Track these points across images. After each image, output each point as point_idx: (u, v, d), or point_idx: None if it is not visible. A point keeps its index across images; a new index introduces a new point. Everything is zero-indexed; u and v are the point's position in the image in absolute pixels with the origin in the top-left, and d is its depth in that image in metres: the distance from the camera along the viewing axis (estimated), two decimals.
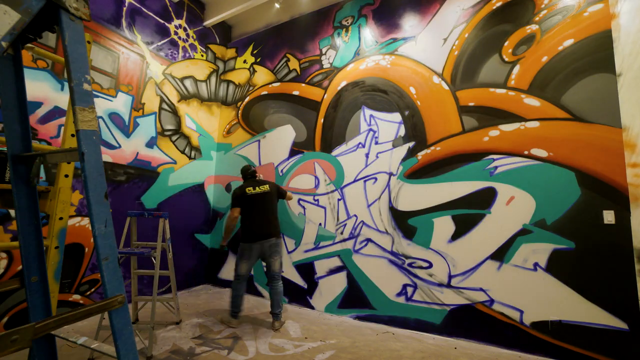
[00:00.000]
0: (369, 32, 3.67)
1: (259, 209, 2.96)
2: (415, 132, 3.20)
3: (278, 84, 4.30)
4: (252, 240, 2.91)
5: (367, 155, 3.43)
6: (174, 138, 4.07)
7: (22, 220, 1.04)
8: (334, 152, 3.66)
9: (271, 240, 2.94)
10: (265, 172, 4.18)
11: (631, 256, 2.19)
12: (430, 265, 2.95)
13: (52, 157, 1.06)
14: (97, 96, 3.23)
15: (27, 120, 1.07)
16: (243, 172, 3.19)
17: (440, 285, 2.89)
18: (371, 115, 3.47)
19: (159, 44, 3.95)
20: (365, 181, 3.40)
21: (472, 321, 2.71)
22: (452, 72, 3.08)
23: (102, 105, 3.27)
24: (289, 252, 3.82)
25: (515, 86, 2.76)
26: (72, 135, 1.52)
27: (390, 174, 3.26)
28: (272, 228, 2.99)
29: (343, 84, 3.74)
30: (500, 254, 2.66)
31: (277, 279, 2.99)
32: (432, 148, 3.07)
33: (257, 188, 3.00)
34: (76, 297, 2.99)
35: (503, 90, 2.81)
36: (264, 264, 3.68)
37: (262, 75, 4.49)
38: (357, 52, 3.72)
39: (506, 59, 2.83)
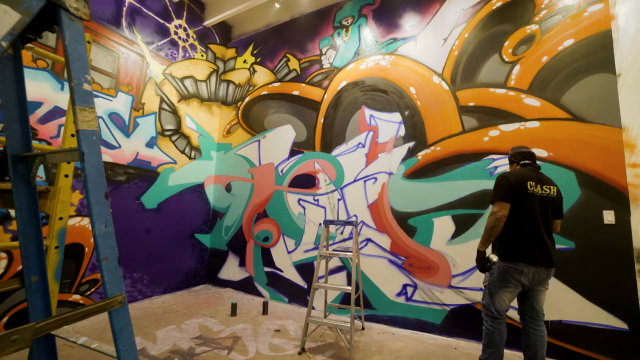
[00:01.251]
0: (369, 32, 3.67)
1: (541, 218, 1.90)
2: (415, 132, 3.20)
3: (278, 84, 4.30)
4: (526, 261, 1.84)
5: (367, 155, 3.43)
6: (174, 138, 4.07)
7: (22, 219, 1.04)
8: (334, 152, 3.66)
9: (551, 270, 1.90)
10: (265, 172, 4.18)
11: (631, 256, 2.19)
12: (431, 265, 2.95)
13: (52, 157, 1.04)
14: (97, 96, 3.23)
15: (27, 120, 1.07)
16: (515, 153, 2.11)
17: (440, 285, 2.89)
18: (371, 115, 3.47)
19: (159, 43, 3.95)
20: (365, 181, 3.40)
21: (472, 321, 2.71)
22: (452, 72, 3.08)
23: (102, 105, 3.27)
24: (288, 252, 3.82)
25: (515, 86, 2.76)
26: (72, 135, 1.52)
27: (390, 174, 3.26)
28: (553, 252, 1.91)
29: (343, 84, 3.74)
30: None
31: (541, 317, 1.95)
32: (432, 148, 3.07)
33: (544, 187, 1.94)
34: (76, 297, 2.99)
35: (503, 90, 2.81)
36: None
37: (262, 75, 4.49)
38: (357, 52, 3.72)
39: (506, 59, 2.83)
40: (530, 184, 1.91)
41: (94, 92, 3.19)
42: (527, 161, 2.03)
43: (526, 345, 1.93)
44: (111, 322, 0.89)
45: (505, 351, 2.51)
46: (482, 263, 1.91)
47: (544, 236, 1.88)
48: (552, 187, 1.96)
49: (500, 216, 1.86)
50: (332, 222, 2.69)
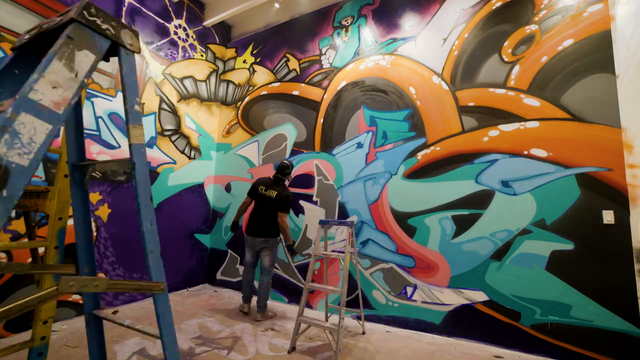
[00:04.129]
0: (369, 32, 3.67)
1: (260, 209, 3.19)
2: (415, 132, 3.20)
3: (278, 84, 4.30)
4: (248, 232, 3.21)
5: (366, 155, 3.43)
6: (173, 138, 4.07)
7: (77, 218, 1.34)
8: (334, 152, 3.66)
9: (264, 238, 3.14)
10: (265, 172, 4.18)
11: (630, 256, 2.20)
12: (430, 265, 2.96)
13: (103, 165, 1.24)
14: (97, 96, 3.23)
15: (83, 134, 1.31)
16: (277, 167, 3.31)
17: (440, 285, 2.89)
18: (371, 115, 3.47)
19: (159, 43, 3.95)
20: (365, 181, 3.40)
21: (472, 321, 2.71)
22: (451, 72, 3.08)
23: (102, 105, 3.26)
24: (288, 252, 3.81)
25: (515, 86, 2.76)
26: None
27: (390, 174, 3.26)
28: (268, 228, 3.15)
29: (343, 84, 3.74)
30: (500, 254, 2.66)
31: (266, 273, 3.18)
32: (432, 148, 3.07)
33: (268, 190, 3.17)
34: (76, 297, 2.99)
35: (503, 90, 2.81)
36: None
37: (262, 75, 4.49)
38: (356, 52, 3.72)
39: (506, 59, 2.83)
40: (261, 187, 3.20)
41: (94, 92, 3.19)
42: (275, 174, 3.26)
43: (258, 290, 3.21)
44: (155, 305, 1.08)
45: (504, 351, 2.52)
46: (233, 226, 3.28)
47: (259, 220, 3.17)
48: (273, 192, 3.15)
49: (243, 203, 3.33)
50: (327, 222, 2.80)
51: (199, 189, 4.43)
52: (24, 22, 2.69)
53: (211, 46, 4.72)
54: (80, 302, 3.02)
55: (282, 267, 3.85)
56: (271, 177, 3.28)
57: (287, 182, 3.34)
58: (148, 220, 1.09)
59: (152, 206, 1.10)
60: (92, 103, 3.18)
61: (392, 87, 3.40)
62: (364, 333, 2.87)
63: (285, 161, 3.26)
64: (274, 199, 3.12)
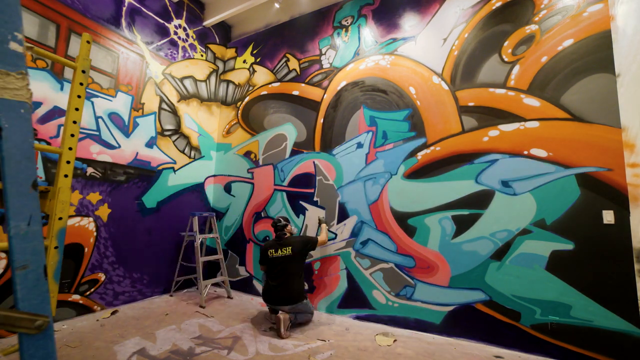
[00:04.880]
0: (369, 32, 3.67)
1: (279, 273, 2.93)
2: (415, 132, 3.20)
3: (278, 84, 4.30)
4: (271, 302, 2.92)
5: (366, 155, 3.43)
6: (173, 138, 4.07)
7: None
8: (334, 152, 3.66)
9: (290, 306, 2.85)
10: (265, 172, 4.18)
11: (630, 256, 2.20)
12: (430, 265, 2.96)
13: None
14: (97, 96, 3.23)
15: None
16: (273, 226, 3.17)
17: (440, 285, 2.89)
18: (371, 115, 3.47)
19: (159, 43, 3.95)
20: (365, 181, 3.40)
21: (472, 321, 2.71)
22: (451, 72, 3.08)
23: (101, 105, 3.27)
24: None
25: (515, 86, 2.76)
26: (72, 136, 1.51)
27: (390, 174, 3.26)
28: (293, 293, 2.88)
29: (343, 84, 3.74)
30: (500, 254, 2.66)
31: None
32: (432, 148, 3.07)
33: (279, 250, 2.98)
34: (76, 297, 2.99)
35: (503, 90, 2.81)
36: None
37: (262, 75, 4.49)
38: (356, 52, 3.72)
39: (506, 59, 2.83)
40: (270, 252, 3.01)
41: (94, 92, 3.19)
42: (277, 232, 3.10)
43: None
44: (21, 352, 0.66)
45: (504, 351, 2.52)
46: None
47: (283, 283, 2.89)
48: (287, 248, 2.97)
49: (263, 270, 3.15)
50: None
51: (199, 189, 4.43)
52: (24, 23, 2.69)
53: (211, 46, 4.72)
54: (81, 302, 3.02)
55: None
56: (272, 238, 3.19)
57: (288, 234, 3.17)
58: (24, 217, 0.68)
59: (34, 197, 0.71)
60: (92, 103, 3.18)
61: (392, 87, 3.40)
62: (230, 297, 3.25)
63: (278, 217, 3.20)
64: (292, 253, 2.96)
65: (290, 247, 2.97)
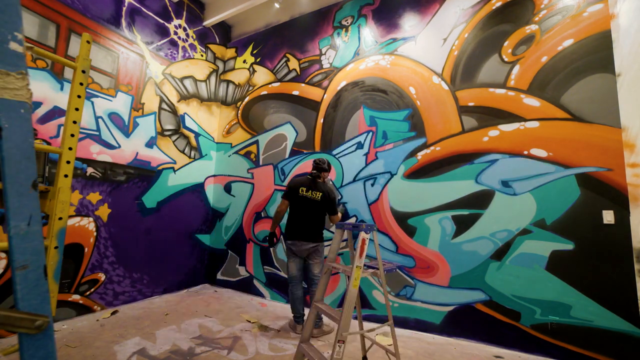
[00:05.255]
0: (369, 32, 3.67)
1: (305, 213, 2.86)
2: (415, 132, 3.20)
3: (278, 84, 4.30)
4: (295, 236, 2.85)
5: (366, 155, 3.43)
6: (173, 138, 4.07)
7: None
8: (334, 152, 3.66)
9: (313, 244, 2.84)
10: (265, 172, 4.18)
11: (630, 256, 2.20)
12: (430, 265, 2.96)
13: None
14: (97, 96, 3.23)
15: None
16: (313, 163, 2.96)
17: (440, 285, 2.89)
18: (371, 115, 3.47)
19: (159, 43, 3.95)
20: (365, 181, 3.40)
21: (472, 321, 2.71)
22: (451, 72, 3.08)
23: (101, 105, 3.27)
24: None
25: (515, 86, 2.76)
26: (72, 135, 1.51)
27: (390, 174, 3.26)
28: (317, 233, 2.87)
29: (343, 84, 3.74)
30: (500, 254, 2.66)
31: (315, 282, 2.85)
32: (432, 148, 3.07)
33: (311, 192, 2.86)
34: (76, 297, 2.99)
35: (503, 90, 2.81)
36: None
37: (262, 75, 4.49)
38: (356, 52, 3.72)
39: (506, 59, 2.83)
40: (302, 190, 2.86)
41: (94, 92, 3.19)
42: (312, 173, 2.91)
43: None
44: (21, 352, 0.66)
45: (504, 351, 2.52)
46: (270, 239, 2.98)
47: (306, 223, 2.84)
48: (318, 193, 2.85)
49: (279, 209, 2.92)
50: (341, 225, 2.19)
51: (199, 188, 4.43)
52: (24, 23, 2.69)
53: (211, 46, 4.72)
54: (81, 302, 3.02)
55: (282, 267, 3.85)
56: (308, 176, 2.95)
57: (323, 181, 2.97)
58: (24, 217, 0.68)
59: (34, 197, 0.71)
60: (92, 103, 3.18)
61: (392, 87, 3.40)
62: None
63: (323, 159, 2.97)
64: (320, 202, 2.84)
65: (321, 195, 2.84)
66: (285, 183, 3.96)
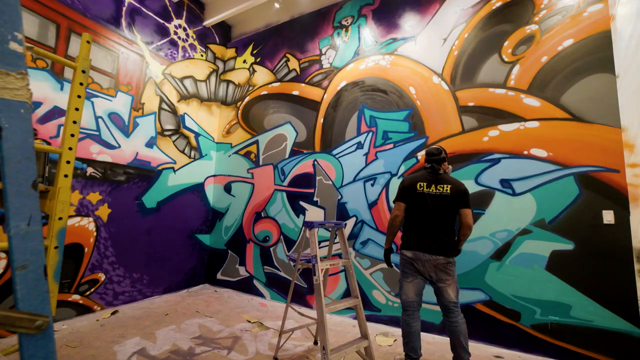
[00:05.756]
0: (369, 32, 3.67)
1: (431, 214, 2.14)
2: (415, 132, 3.20)
3: (278, 84, 4.30)
4: (419, 248, 2.13)
5: (366, 155, 3.43)
6: (173, 138, 4.07)
7: None
8: (334, 152, 3.66)
9: (445, 258, 2.10)
10: (265, 172, 4.18)
11: (630, 256, 2.19)
12: None
13: None
14: (97, 96, 3.23)
15: None
16: (427, 154, 2.28)
17: None
18: (371, 115, 3.47)
19: (159, 43, 3.95)
20: (365, 181, 3.40)
21: (472, 321, 2.71)
22: (451, 72, 3.08)
23: (101, 105, 3.27)
24: (288, 252, 3.82)
25: (515, 86, 2.76)
26: (72, 135, 1.51)
27: (391, 174, 3.26)
28: (450, 242, 2.14)
29: (343, 83, 3.74)
30: (500, 254, 2.66)
31: (453, 311, 2.10)
32: None
33: (434, 186, 2.17)
34: (75, 297, 2.99)
35: (503, 90, 2.81)
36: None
37: (262, 75, 4.49)
38: (356, 52, 3.72)
39: (506, 59, 2.83)
40: (420, 184, 2.19)
41: (94, 92, 3.19)
42: (431, 163, 2.24)
43: (450, 337, 2.11)
44: (21, 352, 0.66)
45: (504, 351, 2.52)
46: (386, 258, 2.32)
47: (432, 228, 2.13)
48: (446, 186, 2.15)
49: (394, 216, 2.24)
50: (311, 224, 2.20)
51: (199, 188, 4.43)
52: (24, 23, 2.69)
53: (211, 46, 4.72)
54: (81, 302, 3.02)
55: (282, 267, 3.85)
56: (425, 169, 2.28)
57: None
58: (24, 217, 0.68)
59: (34, 197, 0.71)
60: (92, 103, 3.18)
61: (392, 87, 3.40)
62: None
63: (436, 146, 2.32)
64: (450, 196, 2.13)
65: (449, 187, 2.15)
66: (286, 183, 3.96)
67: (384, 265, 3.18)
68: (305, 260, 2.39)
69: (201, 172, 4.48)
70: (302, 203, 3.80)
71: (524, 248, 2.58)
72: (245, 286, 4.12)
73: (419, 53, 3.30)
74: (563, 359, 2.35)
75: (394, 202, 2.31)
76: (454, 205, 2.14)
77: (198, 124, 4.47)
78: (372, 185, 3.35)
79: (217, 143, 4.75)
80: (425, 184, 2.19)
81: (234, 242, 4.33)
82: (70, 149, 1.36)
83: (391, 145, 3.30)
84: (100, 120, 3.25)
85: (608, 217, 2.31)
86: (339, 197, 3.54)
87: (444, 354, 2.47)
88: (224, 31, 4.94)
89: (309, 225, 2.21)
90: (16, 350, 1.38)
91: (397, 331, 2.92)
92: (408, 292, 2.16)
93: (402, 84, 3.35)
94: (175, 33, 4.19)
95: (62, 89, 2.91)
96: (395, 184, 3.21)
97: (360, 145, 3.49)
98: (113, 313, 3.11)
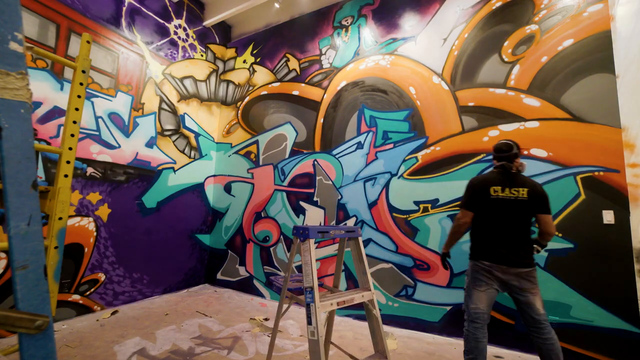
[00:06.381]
0: (369, 32, 3.67)
1: (507, 221, 1.92)
2: (415, 132, 3.20)
3: (278, 84, 4.30)
4: (496, 259, 1.89)
5: (366, 155, 3.43)
6: (173, 138, 4.07)
7: None
8: (334, 152, 3.66)
9: (525, 269, 1.87)
10: (265, 172, 4.18)
11: (630, 256, 2.19)
12: (430, 265, 2.95)
13: None
14: (97, 96, 3.23)
15: None
16: (496, 151, 2.05)
17: (440, 285, 2.89)
18: (371, 115, 3.47)
19: (159, 43, 3.95)
20: (365, 181, 3.40)
21: None
22: (451, 72, 3.08)
23: (101, 105, 3.27)
24: (288, 252, 3.82)
25: (515, 86, 2.76)
26: (72, 135, 1.51)
27: (391, 174, 3.26)
28: (528, 252, 1.92)
29: (343, 83, 3.74)
30: None
31: (544, 326, 1.84)
32: (432, 148, 3.07)
33: (509, 190, 1.92)
34: (75, 297, 2.99)
35: (503, 90, 2.81)
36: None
37: (262, 75, 4.49)
38: (356, 52, 3.72)
39: (506, 59, 2.83)
40: (494, 189, 1.94)
41: (94, 92, 3.19)
42: (502, 161, 2.00)
43: (540, 356, 1.86)
44: (21, 352, 0.66)
45: (504, 351, 2.52)
46: (443, 262, 2.20)
47: (510, 237, 1.90)
48: (523, 189, 1.91)
49: (462, 223, 2.02)
50: (304, 232, 1.56)
51: (199, 188, 4.43)
52: (24, 23, 2.69)
53: (211, 46, 4.72)
54: (81, 302, 3.02)
55: (282, 267, 3.85)
56: (494, 170, 2.04)
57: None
58: (24, 217, 0.69)
59: (34, 197, 0.71)
60: (92, 103, 3.18)
61: (392, 87, 3.40)
62: None
63: (505, 141, 2.04)
64: (528, 201, 1.89)
65: (527, 190, 1.90)
66: (286, 183, 3.96)
67: (385, 265, 3.18)
68: (296, 290, 1.74)
69: (201, 172, 4.48)
70: (302, 203, 3.80)
71: None
72: (246, 286, 4.12)
73: (419, 53, 3.30)
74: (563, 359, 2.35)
75: (460, 206, 2.05)
76: (532, 211, 1.92)
77: (198, 124, 4.47)
78: (372, 185, 3.35)
79: (217, 143, 4.75)
80: (499, 187, 1.93)
81: (234, 242, 4.33)
82: (70, 149, 1.36)
83: (391, 145, 3.30)
84: (100, 120, 3.25)
85: (608, 217, 2.30)
86: (339, 197, 3.54)
87: (444, 354, 2.47)
88: (224, 31, 4.94)
89: (302, 233, 1.52)
90: (16, 350, 1.38)
91: (398, 331, 2.92)
92: (479, 302, 1.89)
93: (402, 84, 3.35)
94: (175, 33, 4.19)
95: (62, 89, 2.91)
96: (395, 184, 3.21)
97: (360, 145, 3.49)
98: (113, 313, 3.11)
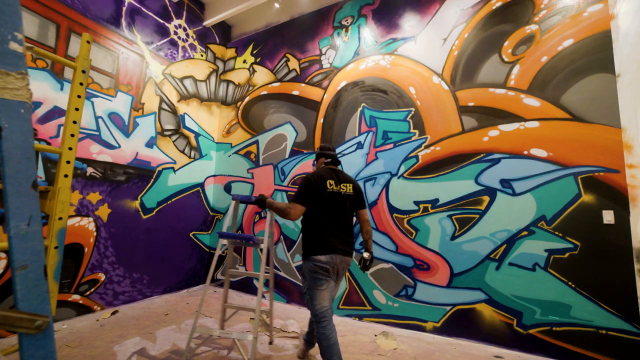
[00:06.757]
0: (369, 32, 3.67)
1: (339, 213, 2.03)
2: (415, 132, 3.20)
3: (278, 84, 4.30)
4: (332, 250, 1.94)
5: (366, 155, 3.43)
6: (173, 138, 4.07)
7: None
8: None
9: (349, 259, 2.03)
10: (265, 172, 4.18)
11: (630, 256, 2.20)
12: (430, 265, 2.95)
13: None
14: (97, 96, 3.23)
15: None
16: (323, 150, 2.23)
17: (440, 285, 2.89)
18: (371, 115, 3.47)
19: (159, 43, 3.95)
20: (365, 181, 3.40)
21: (472, 321, 2.71)
22: (451, 72, 3.08)
23: (101, 105, 3.26)
24: (288, 252, 3.82)
25: (515, 86, 2.76)
26: (72, 135, 1.51)
27: (390, 174, 3.26)
28: (352, 243, 2.09)
29: (343, 83, 3.74)
30: (500, 254, 2.66)
31: (330, 315, 1.92)
32: (432, 148, 3.07)
33: (340, 185, 2.06)
34: (75, 297, 2.99)
35: (503, 90, 2.81)
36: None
37: (262, 75, 4.49)
38: (356, 52, 3.72)
39: (506, 59, 2.83)
40: (330, 183, 2.03)
41: (94, 92, 3.19)
42: (332, 160, 2.19)
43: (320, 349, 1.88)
44: (21, 352, 0.66)
45: (504, 351, 2.52)
46: (260, 202, 2.21)
47: (345, 229, 2.04)
48: (348, 185, 2.10)
49: (292, 213, 1.96)
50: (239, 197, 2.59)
51: (199, 188, 4.42)
52: (24, 23, 2.69)
53: (211, 46, 4.72)
54: (81, 302, 3.02)
55: (282, 267, 3.85)
56: (325, 166, 2.19)
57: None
58: (24, 217, 0.68)
59: (34, 197, 0.71)
60: (92, 103, 3.18)
61: (392, 87, 3.40)
62: (270, 343, 2.55)
63: (325, 144, 2.36)
64: (353, 196, 2.11)
65: (351, 186, 2.11)
66: (286, 183, 3.96)
67: (384, 265, 3.18)
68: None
69: (201, 172, 4.48)
70: None
71: (523, 248, 2.58)
72: (246, 286, 4.11)
73: (419, 53, 3.30)
74: (563, 359, 2.35)
75: (293, 201, 2.02)
76: (356, 206, 2.19)
77: (198, 124, 4.47)
78: (372, 185, 3.35)
79: (217, 143, 4.75)
80: (332, 182, 2.09)
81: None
82: (70, 149, 1.36)
83: (391, 145, 3.30)
84: (100, 120, 3.25)
85: (608, 217, 2.31)
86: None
87: (444, 354, 2.47)
88: (224, 31, 4.94)
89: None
90: (16, 350, 1.38)
91: (398, 331, 2.92)
92: (323, 300, 1.90)
93: (402, 84, 3.35)
94: (175, 33, 4.19)
95: (62, 89, 2.91)
96: (395, 184, 3.21)
97: (360, 145, 3.49)
98: (113, 313, 3.11)
